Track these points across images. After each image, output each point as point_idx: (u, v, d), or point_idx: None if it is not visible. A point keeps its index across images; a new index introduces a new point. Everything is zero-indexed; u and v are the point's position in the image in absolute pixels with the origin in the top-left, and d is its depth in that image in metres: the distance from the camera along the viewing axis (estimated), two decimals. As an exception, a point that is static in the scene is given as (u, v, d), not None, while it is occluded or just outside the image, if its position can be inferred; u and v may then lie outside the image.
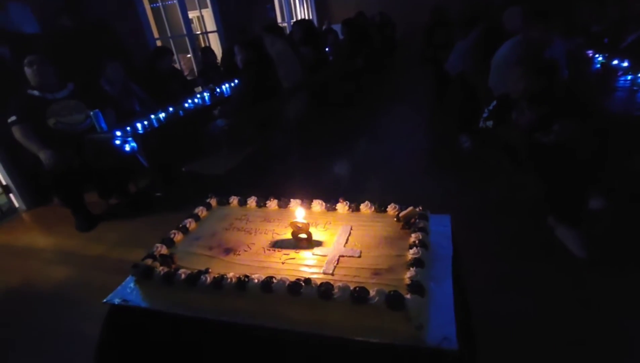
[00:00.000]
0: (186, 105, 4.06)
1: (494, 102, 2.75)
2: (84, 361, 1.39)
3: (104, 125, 3.47)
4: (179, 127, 3.75)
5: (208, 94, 4.43)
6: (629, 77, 2.91)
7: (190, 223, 1.54)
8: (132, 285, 1.36)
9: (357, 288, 1.06)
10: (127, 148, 3.39)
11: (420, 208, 1.35)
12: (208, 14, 6.83)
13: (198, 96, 4.39)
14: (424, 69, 6.82)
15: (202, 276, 1.21)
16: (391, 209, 1.43)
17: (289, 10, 9.13)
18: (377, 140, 4.77)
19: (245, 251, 1.35)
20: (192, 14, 6.54)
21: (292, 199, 1.56)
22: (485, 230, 2.49)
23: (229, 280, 1.18)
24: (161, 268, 1.28)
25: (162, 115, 3.79)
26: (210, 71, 5.01)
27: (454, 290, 1.16)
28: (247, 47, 3.57)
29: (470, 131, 4.16)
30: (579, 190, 2.41)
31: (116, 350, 1.36)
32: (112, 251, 2.94)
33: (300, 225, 1.32)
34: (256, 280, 1.16)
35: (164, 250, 1.39)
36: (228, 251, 1.36)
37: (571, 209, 2.47)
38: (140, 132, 3.43)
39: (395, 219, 1.37)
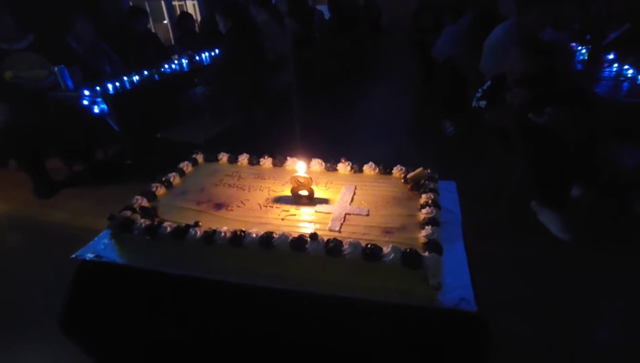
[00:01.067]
0: (162, 70, 3.80)
1: (488, 82, 2.71)
2: (49, 330, 1.22)
3: (69, 83, 3.17)
4: (154, 92, 3.50)
5: (187, 60, 4.17)
6: (615, 68, 2.95)
7: (174, 178, 1.38)
8: (106, 240, 1.19)
9: (370, 245, 0.96)
10: (96, 109, 3.12)
11: (429, 170, 1.26)
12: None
13: (176, 61, 4.12)
14: (409, 55, 6.77)
15: (191, 230, 1.08)
16: (397, 171, 1.33)
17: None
18: (360, 124, 4.67)
19: (238, 206, 1.22)
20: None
21: (288, 158, 1.43)
22: (471, 212, 2.47)
23: (222, 234, 1.05)
24: (143, 220, 1.13)
25: (136, 77, 3.52)
26: (188, 38, 4.71)
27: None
28: (231, 13, 3.34)
29: (454, 117, 4.16)
30: (565, 174, 2.42)
31: (85, 315, 1.19)
32: (74, 219, 2.69)
33: (301, 180, 1.20)
34: (254, 235, 1.04)
35: (144, 202, 1.23)
36: (219, 206, 1.23)
37: (556, 193, 2.49)
38: (111, 92, 3.17)
39: (402, 181, 1.28)
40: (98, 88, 3.18)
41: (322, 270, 0.99)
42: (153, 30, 5.76)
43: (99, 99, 3.13)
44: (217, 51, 4.69)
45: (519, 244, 2.21)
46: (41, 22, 3.52)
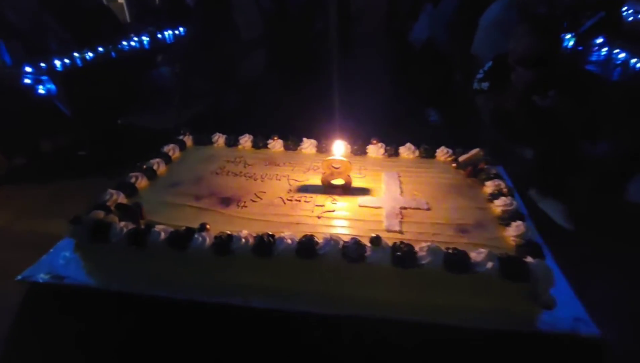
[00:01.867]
0: (120, 46, 3.31)
1: (490, 63, 2.53)
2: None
3: (7, 58, 2.63)
4: (111, 72, 3.03)
5: (147, 38, 3.68)
6: (604, 52, 2.88)
7: (158, 165, 1.04)
8: (68, 253, 0.85)
9: (453, 251, 0.70)
10: (42, 90, 2.63)
11: (482, 151, 1.03)
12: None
13: (135, 38, 3.62)
14: (385, 41, 6.56)
15: (195, 236, 0.76)
16: (442, 153, 1.09)
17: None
18: (339, 110, 4.39)
19: (253, 201, 0.92)
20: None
21: (305, 139, 1.14)
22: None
23: (242, 240, 0.75)
24: (123, 223, 0.80)
25: (89, 54, 3.03)
26: (148, 15, 4.19)
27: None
28: (200, -18, 2.93)
29: (438, 105, 4.01)
30: (568, 158, 2.31)
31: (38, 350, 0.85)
32: (16, 221, 2.20)
33: (337, 165, 0.91)
34: (289, 241, 0.74)
35: (122, 198, 0.90)
36: (227, 201, 0.92)
37: (558, 180, 2.38)
38: (59, 70, 2.68)
39: (453, 165, 1.03)
40: (43, 65, 2.67)
41: (389, 287, 0.72)
42: (105, 2, 5.13)
43: (45, 78, 2.64)
44: (181, 29, 4.22)
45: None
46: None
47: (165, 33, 3.86)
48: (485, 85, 2.51)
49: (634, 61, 2.58)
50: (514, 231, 0.77)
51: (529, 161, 2.46)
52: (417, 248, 0.72)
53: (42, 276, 0.80)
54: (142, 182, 0.98)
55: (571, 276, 0.82)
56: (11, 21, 2.98)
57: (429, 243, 0.72)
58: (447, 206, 0.90)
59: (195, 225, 0.81)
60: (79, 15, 3.66)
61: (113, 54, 3.19)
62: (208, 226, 0.79)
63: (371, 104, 4.67)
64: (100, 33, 3.74)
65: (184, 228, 0.79)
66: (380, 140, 1.15)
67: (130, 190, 0.94)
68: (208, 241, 0.76)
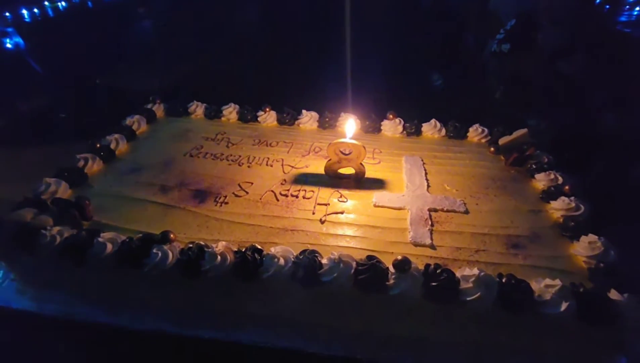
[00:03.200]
0: (96, -6, 2.98)
1: (512, 21, 2.25)
2: None
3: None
4: (87, 24, 2.74)
5: (128, -15, 3.33)
6: (636, 11, 2.59)
7: (117, 142, 0.81)
8: None
9: (510, 281, 0.50)
10: (9, 44, 2.41)
11: (526, 131, 0.81)
12: None
13: (114, -15, 3.27)
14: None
15: (154, 250, 0.55)
16: (475, 132, 0.87)
17: None
18: (341, 73, 4.10)
19: (237, 196, 0.70)
20: None
21: (304, 111, 0.91)
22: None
23: (218, 258, 0.54)
24: (56, 228, 0.59)
25: (62, 3, 2.75)
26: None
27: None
28: None
29: (445, 67, 3.74)
30: (589, 135, 2.12)
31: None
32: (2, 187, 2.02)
33: (346, 150, 0.69)
34: (281, 261, 0.54)
35: (63, 190, 0.68)
36: (203, 195, 0.70)
37: (576, 157, 2.20)
38: (27, 20, 2.46)
39: (491, 149, 0.81)
40: (8, 14, 2.44)
41: (417, 326, 0.53)
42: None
43: (11, 29, 2.42)
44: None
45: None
46: None
47: (148, -20, 3.51)
48: (505, 47, 2.24)
49: None
50: (585, 249, 0.57)
51: (544, 134, 2.24)
52: (459, 276, 0.51)
53: None
54: (94, 166, 0.76)
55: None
56: None
57: (476, 271, 0.51)
58: (489, 207, 0.69)
59: (158, 229, 0.60)
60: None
61: (89, 3, 2.95)
62: (173, 236, 0.58)
63: (375, 67, 4.37)
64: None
65: (138, 236, 0.57)
66: (397, 115, 0.92)
67: (77, 178, 0.72)
68: (171, 257, 0.55)
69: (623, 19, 2.68)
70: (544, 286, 0.50)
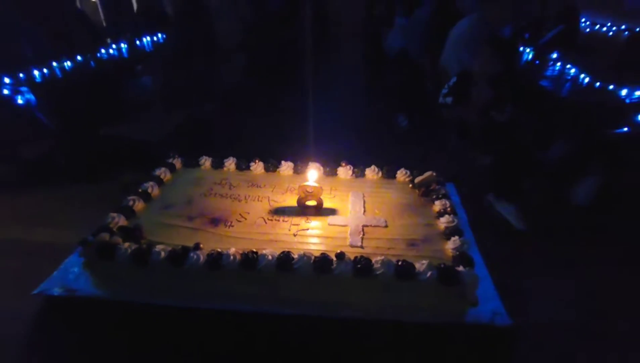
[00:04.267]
0: (99, 55, 3.34)
1: (454, 79, 2.75)
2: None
3: (-23, 67, 2.65)
4: (91, 81, 3.07)
5: (126, 45, 3.71)
6: (558, 67, 3.17)
7: (152, 188, 1.18)
8: (76, 269, 0.98)
9: (401, 262, 0.89)
10: (20, 100, 2.66)
11: (435, 173, 1.22)
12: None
13: (113, 46, 3.65)
14: (360, 44, 6.73)
15: (191, 254, 0.91)
16: (402, 175, 1.28)
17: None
18: (314, 115, 4.56)
19: (239, 221, 1.07)
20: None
21: (283, 162, 1.30)
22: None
23: (231, 257, 0.91)
24: (127, 244, 0.94)
25: (67, 63, 3.06)
26: (123, 19, 4.21)
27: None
28: (179, -7, 3.02)
29: (408, 110, 4.23)
30: (521, 166, 2.58)
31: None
32: (4, 230, 2.24)
33: (310, 190, 1.08)
34: (269, 257, 0.91)
35: (122, 221, 1.03)
36: (216, 221, 1.07)
37: (512, 185, 2.65)
38: (39, 80, 2.72)
39: (410, 185, 1.22)
40: (22, 75, 2.70)
41: (351, 293, 0.90)
42: (79, 7, 5.08)
43: (24, 89, 2.67)
44: (160, 35, 4.26)
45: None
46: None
47: (144, 40, 3.92)
48: (449, 99, 2.75)
49: (582, 76, 2.86)
50: (452, 244, 0.96)
51: (487, 167, 2.73)
52: (373, 261, 0.89)
53: (58, 290, 0.93)
54: (138, 205, 1.12)
55: (499, 276, 1.02)
56: None
57: (382, 257, 0.89)
58: (402, 223, 1.08)
59: (190, 244, 0.96)
60: (56, 19, 3.67)
61: (92, 63, 3.23)
62: (201, 245, 0.95)
63: (346, 109, 4.88)
64: (77, 38, 3.77)
65: (180, 247, 0.93)
66: (348, 162, 1.32)
67: (129, 213, 1.08)
68: (202, 258, 0.91)
69: (548, 73, 3.27)
70: (420, 264, 0.89)
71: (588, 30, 5.21)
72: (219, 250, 0.92)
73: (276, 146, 1.99)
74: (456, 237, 0.98)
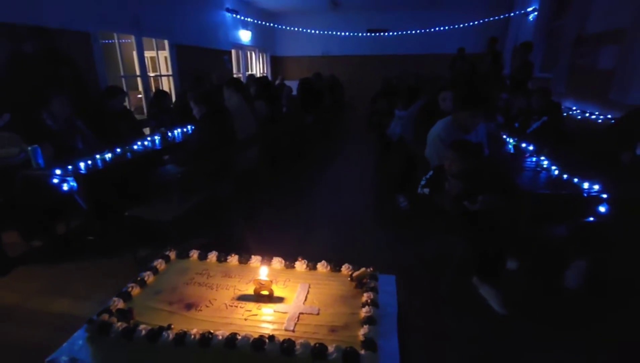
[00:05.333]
0: (135, 147, 3.99)
1: (431, 172, 3.14)
2: None
3: (41, 161, 3.29)
4: (125, 170, 3.64)
5: (159, 137, 4.40)
6: (534, 159, 3.50)
7: (149, 276, 1.54)
8: (80, 342, 1.31)
9: (317, 345, 1.17)
10: (65, 187, 3.22)
11: (372, 268, 1.52)
12: (163, 56, 6.91)
13: (148, 138, 4.33)
14: (369, 131, 7.42)
15: (163, 333, 1.24)
16: (345, 269, 1.58)
17: (245, 63, 9.54)
18: (322, 196, 5.02)
19: (207, 306, 1.39)
20: (147, 54, 6.56)
21: (253, 256, 1.64)
22: (421, 285, 2.77)
23: (192, 336, 1.22)
24: (119, 323, 1.28)
25: (108, 155, 3.68)
26: (163, 115, 5.00)
27: (399, 346, 1.31)
28: (203, 101, 3.69)
29: (407, 192, 4.61)
30: (498, 251, 2.83)
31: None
32: (28, 301, 2.63)
33: (263, 282, 1.41)
34: (220, 337, 1.21)
35: (120, 304, 1.38)
36: (189, 306, 1.39)
37: (491, 270, 2.88)
38: (83, 172, 3.29)
39: (349, 278, 1.52)
40: (70, 167, 3.29)
41: None
42: (127, 102, 6.03)
43: (70, 178, 3.23)
44: (189, 127, 4.98)
45: (462, 317, 2.48)
46: (19, 101, 3.70)
47: (175, 131, 4.61)
48: (426, 190, 3.12)
49: (553, 168, 3.18)
50: (362, 331, 1.24)
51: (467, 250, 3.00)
52: (296, 343, 1.18)
53: (64, 359, 1.25)
54: (135, 290, 1.47)
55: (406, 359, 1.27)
56: (48, 125, 3.71)
57: (302, 340, 1.18)
58: (332, 311, 1.37)
59: (166, 323, 1.28)
60: (104, 117, 4.45)
61: (129, 155, 3.85)
62: (173, 326, 1.27)
63: (355, 186, 5.33)
64: (120, 131, 4.50)
65: (157, 327, 1.26)
66: (304, 257, 1.65)
67: (127, 297, 1.43)
68: (171, 336, 1.23)
69: (526, 164, 3.60)
70: (332, 347, 1.17)
71: (579, 117, 5.61)
72: (185, 330, 1.24)
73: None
74: (366, 326, 1.26)
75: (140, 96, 6.47)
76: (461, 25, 8.79)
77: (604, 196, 2.63)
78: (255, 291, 1.43)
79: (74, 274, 3.21)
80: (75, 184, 3.27)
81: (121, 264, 3.26)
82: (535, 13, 7.02)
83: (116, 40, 5.80)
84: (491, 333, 2.32)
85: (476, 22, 8.70)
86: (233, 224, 3.58)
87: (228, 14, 8.33)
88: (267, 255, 1.66)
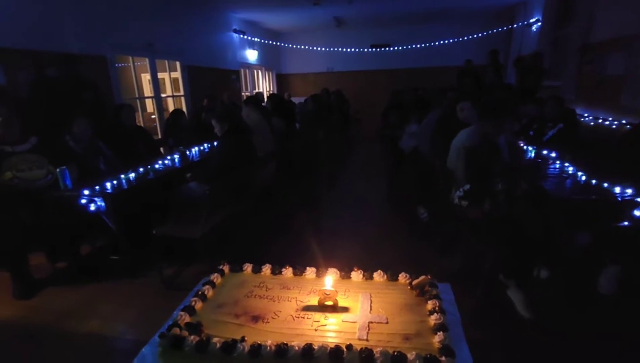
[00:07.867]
0: (157, 166, 4.03)
1: (467, 186, 3.11)
2: None
3: (68, 182, 3.32)
4: (149, 189, 3.66)
5: (178, 156, 4.44)
6: (557, 166, 3.52)
7: (208, 290, 1.55)
8: (151, 357, 1.31)
9: (396, 353, 1.17)
10: (92, 207, 3.23)
11: (430, 276, 1.53)
12: (171, 78, 7.03)
13: (168, 157, 4.38)
14: (376, 144, 7.49)
15: (238, 345, 1.23)
16: (402, 277, 1.58)
17: (252, 81, 9.69)
18: (340, 208, 5.03)
19: (273, 318, 1.39)
20: (160, 75, 6.67)
21: (307, 268, 1.65)
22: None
23: (267, 348, 1.22)
24: (192, 337, 1.28)
25: (132, 175, 3.71)
26: (181, 133, 5.06)
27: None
28: (226, 119, 3.74)
29: (426, 203, 4.61)
30: (528, 258, 2.83)
31: None
32: (58, 322, 2.60)
33: (328, 293, 1.41)
34: (296, 347, 1.21)
35: (188, 318, 1.38)
36: (256, 318, 1.40)
37: (521, 275, 2.87)
38: (110, 191, 3.31)
39: (408, 287, 1.52)
40: (97, 187, 3.31)
41: None
42: (141, 122, 6.10)
43: (98, 198, 3.24)
44: (205, 145, 5.03)
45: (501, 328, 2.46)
46: (45, 124, 3.76)
47: (193, 150, 4.65)
48: (464, 203, 3.13)
49: (579, 174, 3.20)
50: (438, 338, 1.24)
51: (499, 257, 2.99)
52: (375, 352, 1.18)
53: None
54: (198, 304, 1.47)
55: None
56: (71, 147, 3.76)
57: (381, 348, 1.18)
58: (400, 319, 1.37)
59: (238, 337, 1.28)
60: (121, 136, 4.50)
61: (151, 174, 3.88)
62: (246, 338, 1.27)
63: (371, 198, 5.35)
64: (138, 151, 4.55)
65: (230, 339, 1.26)
66: (360, 266, 1.65)
67: (192, 311, 1.43)
68: (246, 349, 1.23)
69: (549, 170, 3.59)
70: (411, 355, 1.16)
71: (592, 123, 5.66)
72: (259, 342, 1.24)
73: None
74: (440, 332, 1.25)
75: (154, 116, 6.56)
76: (464, 38, 8.97)
77: (639, 199, 2.64)
78: (319, 302, 1.44)
79: (100, 294, 3.19)
80: (103, 204, 3.28)
81: (147, 284, 3.25)
82: (539, 23, 7.17)
83: (131, 64, 5.92)
84: (522, 344, 2.29)
85: (479, 35, 8.87)
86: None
87: (235, 35, 8.51)
88: (322, 267, 1.66)
